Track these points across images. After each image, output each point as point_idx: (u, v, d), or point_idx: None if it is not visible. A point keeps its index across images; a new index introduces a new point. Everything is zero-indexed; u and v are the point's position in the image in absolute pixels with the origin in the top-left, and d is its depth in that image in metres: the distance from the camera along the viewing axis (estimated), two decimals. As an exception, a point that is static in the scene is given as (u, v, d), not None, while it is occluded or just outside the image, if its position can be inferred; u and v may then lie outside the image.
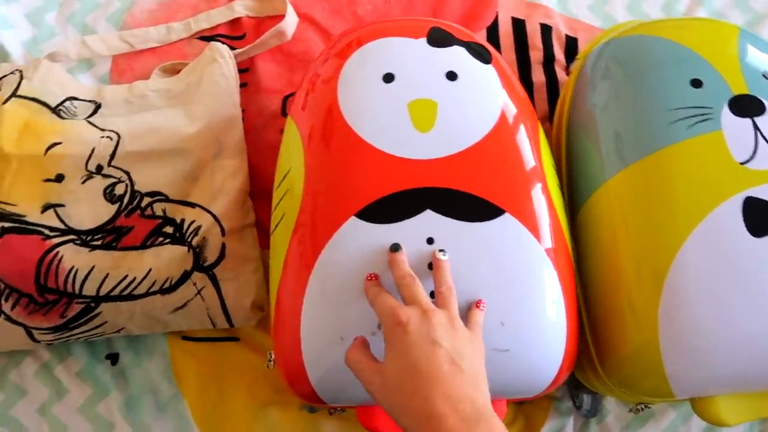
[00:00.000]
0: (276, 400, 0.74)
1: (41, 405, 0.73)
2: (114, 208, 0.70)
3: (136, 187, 0.71)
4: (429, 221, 0.55)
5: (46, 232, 0.68)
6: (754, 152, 0.58)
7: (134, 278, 0.69)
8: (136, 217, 0.70)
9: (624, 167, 0.61)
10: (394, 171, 0.57)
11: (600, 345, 0.62)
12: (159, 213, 0.71)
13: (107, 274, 0.68)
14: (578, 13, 0.89)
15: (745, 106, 0.60)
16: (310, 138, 0.61)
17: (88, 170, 0.70)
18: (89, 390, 0.74)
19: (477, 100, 0.60)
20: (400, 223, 0.55)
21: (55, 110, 0.73)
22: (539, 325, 0.56)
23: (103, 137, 0.71)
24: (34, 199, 0.69)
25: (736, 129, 0.59)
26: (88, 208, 0.69)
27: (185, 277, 0.70)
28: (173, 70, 0.82)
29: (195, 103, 0.75)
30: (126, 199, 0.71)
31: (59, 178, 0.70)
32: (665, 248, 0.57)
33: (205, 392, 0.75)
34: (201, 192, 0.72)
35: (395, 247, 0.53)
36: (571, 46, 0.87)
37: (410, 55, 0.62)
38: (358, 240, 0.55)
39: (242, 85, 0.81)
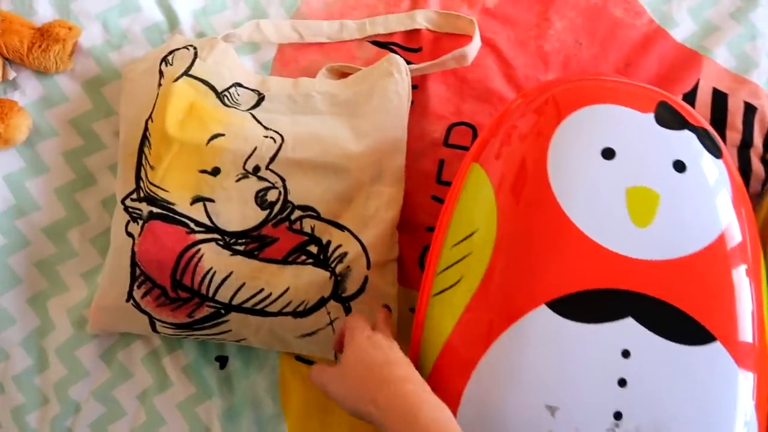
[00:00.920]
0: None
1: (143, 391, 0.71)
2: (263, 214, 0.66)
3: (289, 197, 0.67)
4: (628, 330, 0.49)
5: (192, 225, 0.65)
6: None
7: (269, 294, 0.64)
8: (283, 229, 0.66)
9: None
10: (599, 264, 0.50)
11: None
12: (307, 229, 0.66)
13: (243, 284, 0.64)
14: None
15: None
16: (506, 200, 0.54)
17: (245, 169, 0.66)
18: (193, 388, 0.71)
19: (704, 200, 0.53)
20: (594, 324, 0.49)
21: (220, 95, 0.69)
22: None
23: (266, 137, 0.67)
24: (186, 189, 0.65)
25: None
26: (238, 209, 0.65)
27: (321, 303, 0.65)
28: (340, 73, 0.77)
29: (362, 117, 0.70)
30: (277, 208, 0.66)
31: (215, 172, 0.66)
32: None
33: (308, 420, 0.71)
34: (352, 216, 0.67)
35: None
36: (773, 134, 0.77)
37: (636, 131, 0.55)
38: (543, 332, 0.49)
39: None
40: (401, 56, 0.78)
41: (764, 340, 0.52)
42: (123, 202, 0.67)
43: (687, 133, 0.55)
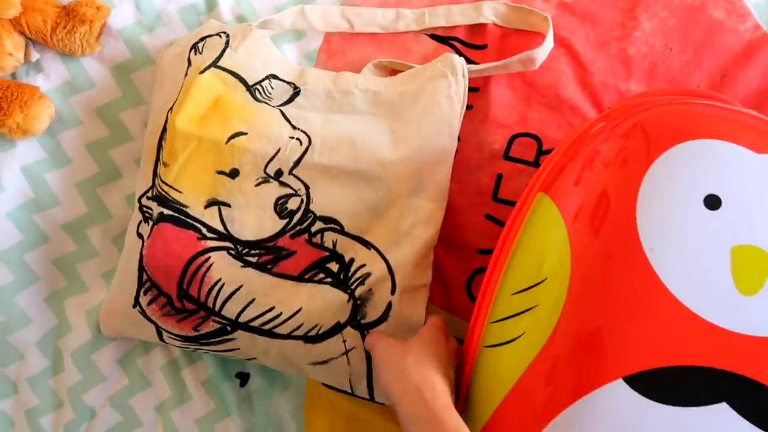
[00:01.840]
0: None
1: (161, 403, 0.67)
2: (281, 223, 0.60)
3: (312, 206, 0.60)
4: (721, 420, 0.40)
5: (204, 231, 0.59)
6: None
7: (280, 313, 0.58)
8: (302, 242, 0.59)
9: None
10: (692, 337, 0.42)
11: None
12: (328, 244, 0.59)
13: (253, 299, 0.58)
14: None
15: None
16: (583, 248, 0.45)
17: (266, 173, 0.60)
18: (212, 404, 0.66)
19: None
20: (680, 408, 0.41)
21: (251, 88, 0.63)
22: None
23: (292, 138, 0.60)
24: (201, 190, 0.60)
25: None
26: (254, 217, 0.59)
27: (336, 329, 0.58)
28: (389, 69, 0.69)
29: (405, 121, 0.62)
30: (297, 217, 0.60)
31: (233, 174, 0.60)
32: None
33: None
34: (382, 232, 0.60)
35: None
36: None
37: (748, 177, 0.45)
38: (617, 412, 0.41)
39: (467, 108, 0.65)
40: (463, 53, 0.69)
41: None
42: (139, 200, 0.62)
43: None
